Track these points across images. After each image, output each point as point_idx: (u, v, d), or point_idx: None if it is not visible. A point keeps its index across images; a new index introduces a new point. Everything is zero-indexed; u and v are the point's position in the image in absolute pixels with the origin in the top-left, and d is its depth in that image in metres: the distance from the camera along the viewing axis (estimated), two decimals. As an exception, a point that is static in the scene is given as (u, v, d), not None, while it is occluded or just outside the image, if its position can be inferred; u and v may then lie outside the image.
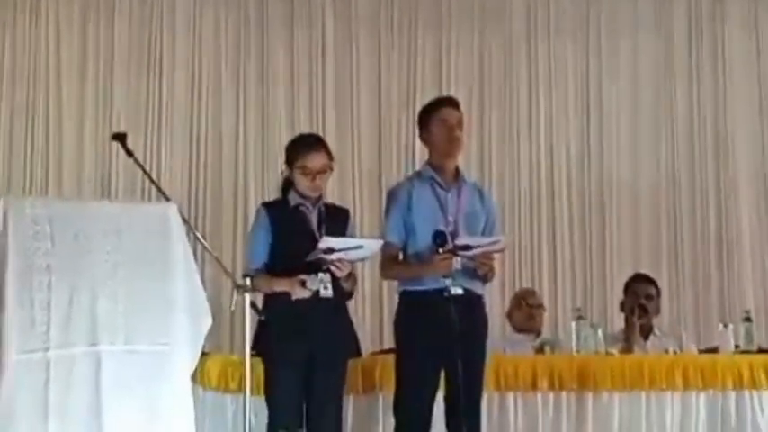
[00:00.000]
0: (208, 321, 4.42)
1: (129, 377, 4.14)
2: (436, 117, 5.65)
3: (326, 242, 5.31)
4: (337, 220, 5.62)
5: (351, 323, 5.59)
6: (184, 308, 4.29)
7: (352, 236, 5.68)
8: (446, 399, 5.48)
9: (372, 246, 5.57)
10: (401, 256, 5.64)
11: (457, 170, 5.70)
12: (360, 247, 5.44)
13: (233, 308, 4.95)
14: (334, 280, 5.42)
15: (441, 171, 5.65)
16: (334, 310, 5.46)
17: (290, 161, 5.57)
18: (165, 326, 4.22)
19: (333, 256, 5.32)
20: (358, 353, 5.62)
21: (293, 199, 5.55)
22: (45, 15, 8.26)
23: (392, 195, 5.76)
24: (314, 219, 5.53)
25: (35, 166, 8.13)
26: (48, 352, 4.05)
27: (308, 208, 5.53)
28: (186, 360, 4.31)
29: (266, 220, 5.51)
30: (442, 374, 5.45)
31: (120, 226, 4.28)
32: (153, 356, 4.19)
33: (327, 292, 5.40)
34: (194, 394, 4.66)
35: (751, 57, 8.98)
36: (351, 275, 5.51)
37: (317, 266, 5.37)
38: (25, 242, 4.07)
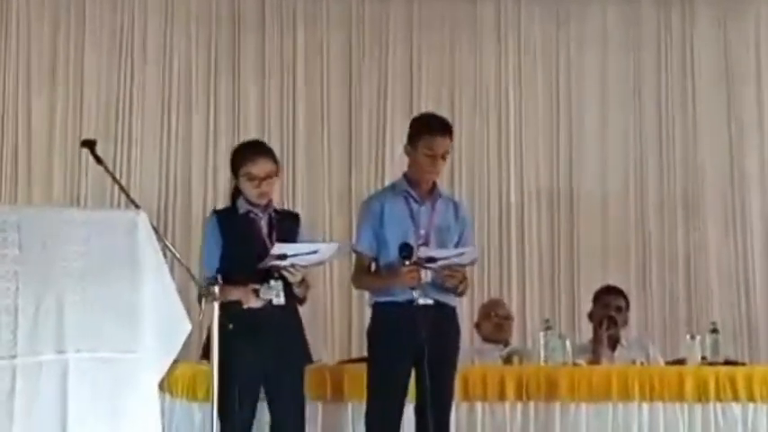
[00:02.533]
0: (185, 328, 4.40)
1: (96, 385, 4.11)
2: (424, 143, 5.58)
3: (280, 248, 5.31)
4: (288, 226, 5.62)
5: (303, 330, 5.59)
6: (154, 315, 4.26)
7: (305, 240, 5.66)
8: (416, 408, 5.49)
9: (326, 250, 5.55)
10: (373, 267, 5.65)
11: (434, 184, 5.71)
12: (314, 252, 5.43)
13: (201, 317, 4.94)
14: (287, 286, 5.42)
15: (416, 185, 5.66)
16: (287, 318, 5.46)
17: (235, 169, 5.56)
18: (133, 333, 4.20)
19: (286, 262, 5.31)
20: (308, 359, 5.62)
21: (242, 206, 5.54)
22: (15, 21, 8.24)
23: (365, 206, 5.78)
24: (264, 225, 5.53)
25: (4, 173, 8.10)
26: (14, 359, 4.01)
27: (257, 215, 5.53)
28: (155, 368, 4.29)
29: (216, 227, 5.50)
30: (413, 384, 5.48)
31: (89, 233, 4.25)
32: (121, 364, 4.16)
33: (280, 299, 5.41)
34: (162, 402, 4.67)
35: (719, 70, 9.03)
36: (303, 281, 5.51)
37: (269, 273, 5.36)
38: (-7, 249, 4.05)
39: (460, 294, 5.68)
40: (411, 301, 5.42)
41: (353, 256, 5.83)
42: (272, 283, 5.39)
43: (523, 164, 8.81)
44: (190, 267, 5.04)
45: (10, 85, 8.18)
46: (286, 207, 7.53)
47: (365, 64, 8.73)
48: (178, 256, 4.71)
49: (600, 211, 8.84)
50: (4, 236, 4.06)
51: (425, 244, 5.54)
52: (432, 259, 5.46)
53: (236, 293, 5.26)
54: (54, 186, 8.14)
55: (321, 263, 5.69)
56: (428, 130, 5.64)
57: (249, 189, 5.49)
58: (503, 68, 8.89)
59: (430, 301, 5.48)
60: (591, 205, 8.83)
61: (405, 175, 5.72)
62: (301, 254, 5.36)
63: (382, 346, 5.52)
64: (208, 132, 8.45)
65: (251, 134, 8.19)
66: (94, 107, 8.28)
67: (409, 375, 5.47)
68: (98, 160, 4.86)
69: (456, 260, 5.53)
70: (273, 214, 5.59)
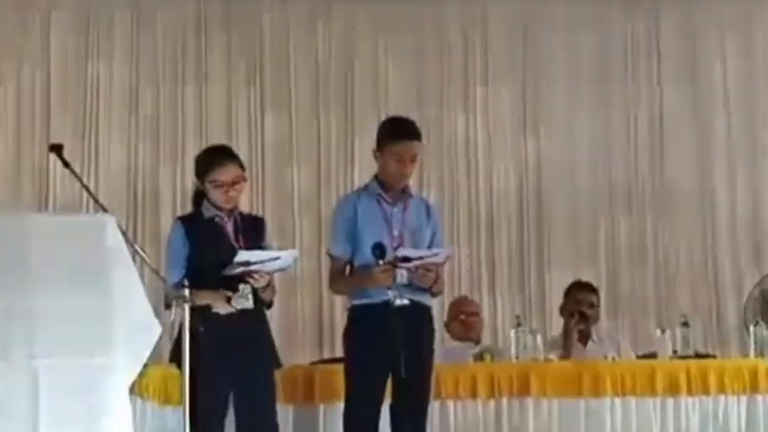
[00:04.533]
0: (155, 331, 4.39)
1: (67, 390, 4.09)
2: (391, 148, 5.56)
3: (242, 255, 5.29)
4: (254, 230, 5.60)
5: (270, 334, 5.58)
6: (124, 319, 4.25)
7: (269, 244, 5.67)
8: (392, 408, 5.51)
9: (288, 257, 5.56)
10: (348, 270, 5.66)
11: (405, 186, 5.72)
12: (276, 258, 5.43)
13: (172, 318, 4.93)
14: (254, 290, 5.41)
15: (388, 187, 5.66)
16: (255, 322, 5.45)
17: (200, 174, 5.51)
18: (103, 338, 4.18)
19: (250, 269, 5.30)
20: (278, 363, 5.60)
21: (207, 211, 5.51)
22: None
23: (338, 209, 5.78)
24: (230, 229, 5.50)
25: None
26: (-17, 365, 4.01)
27: (222, 219, 5.51)
28: (126, 372, 4.28)
29: (182, 233, 5.47)
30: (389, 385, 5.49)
31: (58, 238, 4.24)
32: (91, 369, 4.14)
33: (248, 303, 5.40)
34: (134, 406, 4.66)
35: (686, 73, 9.08)
36: (269, 285, 5.49)
37: (236, 278, 5.35)
38: (-39, 255, 4.04)
39: (435, 294, 5.71)
40: (387, 303, 5.44)
41: (329, 260, 5.83)
42: (242, 287, 5.37)
43: (492, 163, 8.82)
44: (159, 271, 5.04)
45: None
46: (254, 212, 7.52)
47: (332, 67, 8.73)
48: (147, 260, 4.69)
49: (568, 208, 8.86)
50: (-28, 242, 4.05)
51: (400, 245, 5.54)
52: (407, 259, 5.47)
53: (206, 297, 5.24)
54: (23, 190, 8.10)
55: (283, 269, 5.68)
56: (395, 134, 5.62)
57: (217, 195, 5.46)
58: (470, 69, 8.89)
59: (406, 302, 5.49)
60: (559, 202, 8.85)
61: (376, 177, 5.72)
62: (265, 260, 5.36)
63: (359, 349, 5.52)
64: (176, 135, 8.42)
65: (219, 137, 8.16)
66: (61, 110, 8.24)
67: (387, 377, 5.48)
68: (65, 164, 4.84)
69: (431, 259, 5.55)
70: (239, 218, 5.57)
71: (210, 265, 5.32)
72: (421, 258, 5.50)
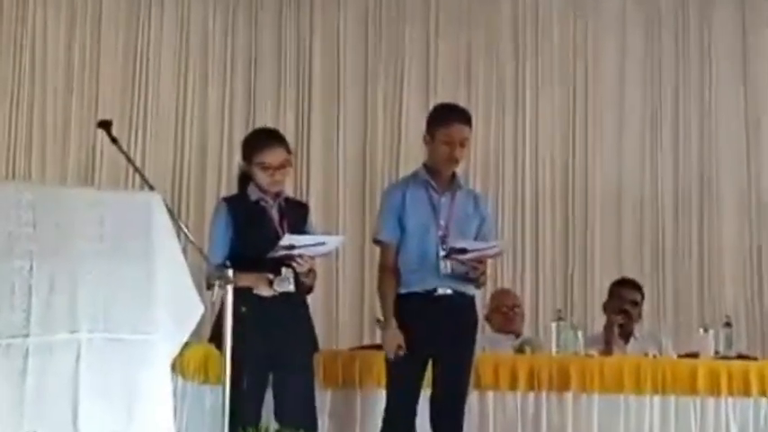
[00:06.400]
0: (198, 310, 4.40)
1: (108, 365, 4.11)
2: (443, 131, 5.58)
3: (288, 239, 5.30)
4: (297, 215, 5.61)
5: (310, 318, 5.59)
6: (167, 297, 4.26)
7: (312, 231, 5.67)
8: (431, 398, 5.51)
9: (333, 242, 5.63)
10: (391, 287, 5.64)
11: (453, 175, 5.70)
12: (321, 243, 5.43)
13: (214, 299, 4.94)
14: (295, 275, 5.41)
15: (436, 175, 5.65)
16: (296, 306, 5.46)
17: (247, 156, 5.53)
18: (146, 314, 4.19)
19: (294, 252, 5.30)
20: (316, 347, 5.60)
21: (253, 193, 5.52)
22: (32, 3, 8.21)
23: (386, 196, 5.78)
24: (275, 213, 5.51)
25: (18, 153, 8.09)
26: (27, 339, 4.01)
27: (267, 202, 5.51)
28: (167, 349, 4.29)
29: (227, 214, 5.48)
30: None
31: (103, 214, 4.24)
32: (133, 345, 4.16)
33: (290, 287, 5.40)
34: (174, 383, 4.67)
35: (737, 74, 8.99)
36: (311, 270, 5.50)
37: (279, 262, 5.35)
38: (7, 226, 4.03)
39: (479, 286, 5.69)
40: (431, 292, 5.43)
41: (373, 246, 5.83)
42: (284, 271, 5.38)
43: (539, 155, 8.78)
44: (203, 249, 5.04)
45: (26, 63, 8.15)
46: (300, 197, 7.53)
47: (381, 54, 8.70)
48: (191, 237, 4.69)
49: (614, 204, 8.81)
50: (18, 214, 4.06)
51: (445, 235, 5.53)
52: (463, 250, 5.46)
53: (247, 279, 5.25)
54: (69, 167, 8.13)
55: (326, 254, 5.68)
56: (446, 118, 5.64)
57: (263, 177, 5.47)
58: (520, 61, 8.85)
59: (449, 291, 5.48)
60: (606, 198, 8.80)
61: (425, 165, 5.71)
62: (308, 245, 5.36)
63: (403, 338, 5.50)
64: (223, 115, 8.43)
65: (266, 119, 8.17)
66: (110, 87, 8.26)
67: (426, 366, 5.49)
68: (113, 141, 4.85)
69: (484, 252, 5.54)
70: (283, 203, 5.57)
71: (253, 247, 5.33)
72: (477, 251, 5.49)
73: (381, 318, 5.65)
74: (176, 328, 4.31)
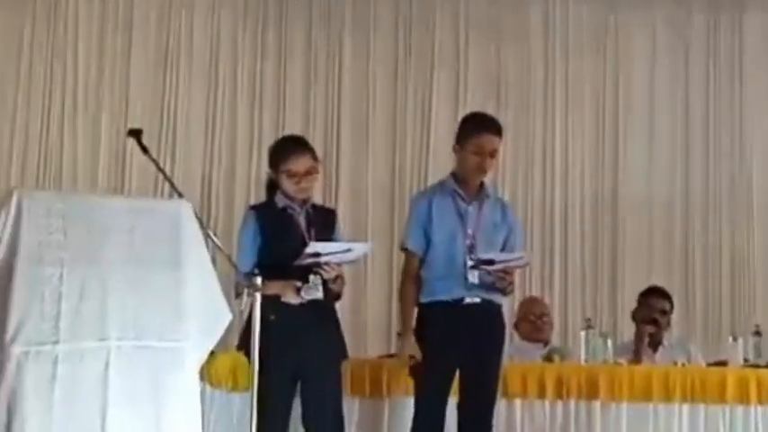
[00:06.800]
0: (226, 317, 4.42)
1: (137, 372, 4.13)
2: (473, 141, 5.59)
3: (314, 247, 5.31)
4: (325, 222, 5.61)
5: (339, 325, 5.58)
6: (196, 304, 4.28)
7: (340, 237, 5.67)
8: (459, 407, 5.51)
9: (360, 249, 5.61)
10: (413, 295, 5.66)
11: (481, 184, 5.71)
12: (348, 250, 5.44)
13: (243, 307, 4.96)
14: (323, 282, 5.42)
15: (464, 184, 5.66)
16: (324, 313, 5.46)
17: (274, 164, 5.54)
18: (175, 322, 4.21)
19: (321, 260, 5.32)
20: (345, 354, 5.60)
21: (280, 201, 5.53)
22: (63, 14, 8.26)
23: (413, 204, 5.79)
24: (302, 220, 5.52)
25: (50, 161, 8.14)
26: (56, 345, 4.04)
27: (295, 210, 5.52)
28: (196, 357, 4.31)
29: (255, 222, 5.49)
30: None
31: (133, 222, 4.27)
32: (163, 352, 4.18)
33: (318, 294, 5.41)
34: (202, 391, 4.68)
35: (766, 81, 8.96)
36: (339, 277, 5.50)
37: (306, 269, 5.36)
38: (38, 234, 4.07)
39: (507, 294, 5.70)
40: (459, 300, 5.46)
41: (402, 254, 5.83)
42: (312, 279, 5.39)
43: (568, 163, 8.77)
44: (231, 257, 5.06)
45: (57, 72, 8.20)
46: (328, 203, 7.54)
47: (411, 61, 8.71)
48: (220, 246, 4.71)
49: (644, 212, 8.78)
50: (49, 222, 4.09)
51: (473, 244, 5.54)
52: (490, 261, 5.48)
53: (275, 287, 5.26)
54: (99, 175, 8.17)
55: (353, 261, 5.69)
56: (477, 128, 5.64)
57: (289, 185, 5.48)
58: (550, 69, 8.84)
59: (477, 300, 5.49)
60: (635, 206, 8.78)
61: (453, 174, 5.72)
62: (335, 252, 5.37)
63: (428, 346, 5.51)
64: (252, 123, 8.45)
65: (296, 128, 8.18)
66: (140, 96, 8.30)
67: (454, 375, 5.50)
68: (144, 149, 4.87)
69: (511, 263, 5.54)
70: (311, 210, 5.58)
71: (281, 254, 5.35)
72: (503, 262, 5.50)
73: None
74: (204, 335, 4.33)
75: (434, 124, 8.59)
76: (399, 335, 5.86)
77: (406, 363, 5.54)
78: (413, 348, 5.49)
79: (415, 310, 5.65)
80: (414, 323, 5.60)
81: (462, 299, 5.51)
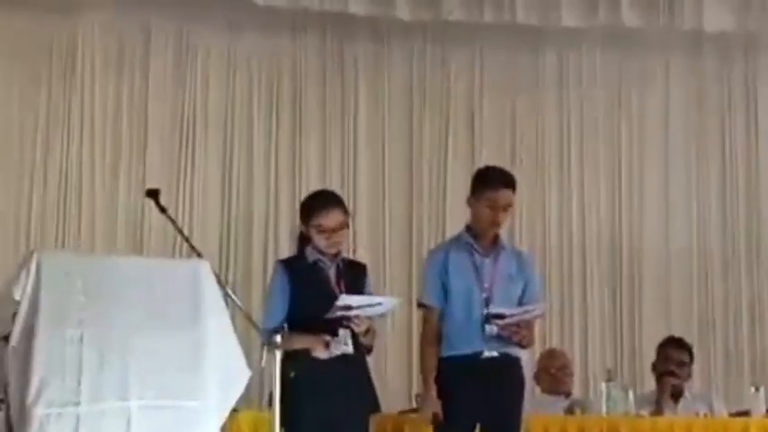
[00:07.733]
0: (245, 375, 4.42)
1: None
2: (487, 195, 5.61)
3: (344, 300, 5.30)
4: (356, 276, 5.61)
5: (370, 378, 5.56)
6: (216, 363, 4.29)
7: (370, 291, 5.67)
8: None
9: (389, 303, 5.59)
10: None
11: (496, 236, 5.72)
12: (378, 303, 5.45)
13: (263, 364, 4.95)
14: (354, 335, 5.41)
15: (479, 237, 5.68)
16: (354, 367, 5.44)
17: (305, 218, 5.54)
18: (195, 381, 4.22)
19: (351, 313, 5.32)
20: (377, 408, 5.59)
21: (311, 255, 5.53)
22: (80, 71, 8.30)
23: (429, 260, 5.81)
24: (332, 274, 5.52)
25: (68, 221, 8.16)
26: (78, 407, 4.04)
27: (325, 264, 5.52)
28: (217, 415, 4.31)
29: (284, 277, 5.49)
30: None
31: (152, 282, 4.29)
32: (183, 412, 4.18)
33: (348, 348, 5.40)
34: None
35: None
36: (369, 330, 5.49)
37: (336, 323, 5.36)
38: (58, 296, 4.08)
39: (525, 347, 5.69)
40: (477, 354, 5.45)
41: (420, 310, 5.84)
42: (341, 332, 5.38)
43: (585, 213, 8.77)
44: (251, 315, 5.06)
45: (75, 134, 8.23)
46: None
47: (426, 115, 8.74)
48: (239, 303, 4.72)
49: (663, 261, 8.77)
50: (69, 283, 4.11)
51: (489, 297, 5.54)
52: (501, 316, 5.48)
53: (305, 341, 5.28)
54: (117, 235, 8.19)
55: (383, 314, 5.70)
56: (491, 182, 5.66)
57: (320, 240, 5.48)
58: (564, 120, 8.86)
59: (495, 354, 5.49)
60: (653, 257, 8.76)
61: (467, 227, 5.73)
62: (366, 305, 5.38)
63: (448, 400, 5.50)
64: (269, 182, 8.47)
65: (312, 184, 8.19)
66: (157, 157, 8.33)
67: (475, 429, 5.47)
68: (162, 210, 4.90)
69: (523, 317, 5.54)
70: (341, 264, 5.58)
71: (311, 308, 5.34)
72: (513, 316, 5.50)
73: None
74: (224, 394, 4.33)
75: (450, 175, 8.60)
76: (418, 396, 5.85)
77: (428, 420, 5.52)
78: (435, 405, 5.47)
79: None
80: (434, 379, 5.59)
81: (481, 352, 5.51)
